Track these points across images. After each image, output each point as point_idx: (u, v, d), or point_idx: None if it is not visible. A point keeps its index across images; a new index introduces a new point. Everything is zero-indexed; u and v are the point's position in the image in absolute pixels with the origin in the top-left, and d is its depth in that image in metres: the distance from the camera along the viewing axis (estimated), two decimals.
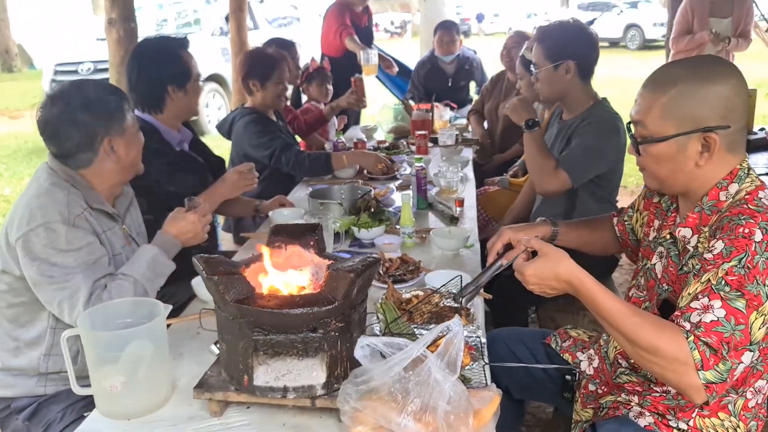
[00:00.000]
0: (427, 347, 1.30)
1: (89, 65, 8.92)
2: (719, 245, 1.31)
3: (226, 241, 3.54)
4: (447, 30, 5.23)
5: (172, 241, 1.88)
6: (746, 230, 1.29)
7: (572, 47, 2.53)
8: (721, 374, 1.23)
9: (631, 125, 1.50)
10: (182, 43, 2.45)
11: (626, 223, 1.84)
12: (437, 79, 5.22)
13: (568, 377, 1.78)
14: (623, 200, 2.48)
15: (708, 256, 1.32)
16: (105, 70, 6.00)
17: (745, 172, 1.40)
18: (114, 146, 1.81)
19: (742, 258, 1.27)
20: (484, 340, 1.68)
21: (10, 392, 1.78)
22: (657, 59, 9.40)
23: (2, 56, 18.60)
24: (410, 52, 11.79)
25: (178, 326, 1.83)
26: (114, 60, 3.26)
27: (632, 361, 1.57)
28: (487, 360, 1.59)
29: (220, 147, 4.29)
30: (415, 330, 1.69)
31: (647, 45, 19.10)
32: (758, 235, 1.28)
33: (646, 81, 1.47)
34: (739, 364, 1.25)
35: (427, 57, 5.37)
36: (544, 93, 2.64)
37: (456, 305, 1.78)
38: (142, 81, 2.40)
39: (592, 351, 1.75)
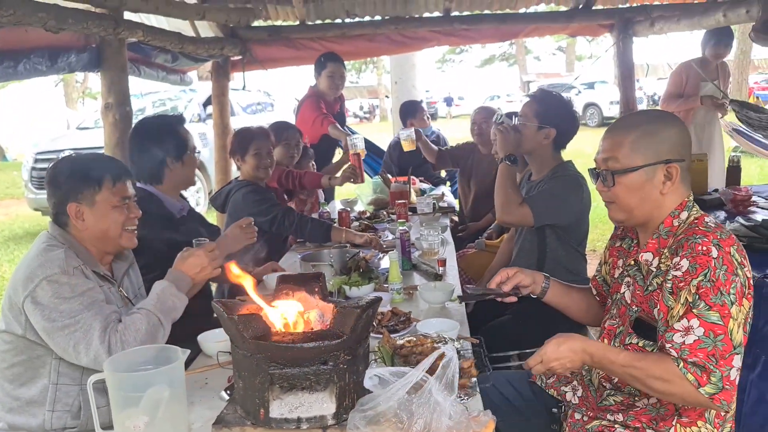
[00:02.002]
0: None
1: (70, 153, 9.08)
2: (685, 263, 1.55)
3: None
4: (413, 116, 5.54)
5: (181, 276, 1.99)
6: (704, 248, 1.53)
7: (560, 118, 2.81)
8: (716, 384, 1.46)
9: (595, 168, 1.74)
10: (179, 119, 2.69)
11: (597, 278, 2.04)
12: (411, 155, 5.50)
13: (554, 410, 1.92)
14: (594, 263, 2.67)
15: (677, 273, 1.56)
16: None
17: (692, 203, 1.68)
18: (83, 214, 1.93)
19: (707, 273, 1.50)
20: (474, 378, 1.81)
21: None
22: None
23: None
24: (380, 135, 12.26)
25: (186, 379, 1.93)
26: (110, 142, 3.45)
27: (615, 381, 1.73)
28: (479, 396, 1.73)
29: None
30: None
31: (605, 122, 20.13)
32: (714, 252, 1.52)
33: (611, 127, 1.76)
34: (730, 369, 1.47)
35: (398, 138, 5.63)
36: (520, 141, 2.84)
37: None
38: (144, 155, 2.60)
39: (575, 382, 1.90)
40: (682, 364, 1.48)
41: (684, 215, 1.65)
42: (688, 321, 1.49)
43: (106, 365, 1.53)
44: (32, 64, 2.88)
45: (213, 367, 1.99)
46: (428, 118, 5.73)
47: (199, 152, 2.66)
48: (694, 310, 1.49)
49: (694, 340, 1.48)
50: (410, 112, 5.60)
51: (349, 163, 4.21)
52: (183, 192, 2.78)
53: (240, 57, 5.54)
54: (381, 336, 2.04)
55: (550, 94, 2.94)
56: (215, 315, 2.72)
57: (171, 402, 1.54)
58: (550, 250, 2.78)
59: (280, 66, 6.08)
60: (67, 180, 1.93)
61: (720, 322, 1.47)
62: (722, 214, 3.76)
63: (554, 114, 2.81)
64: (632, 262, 1.77)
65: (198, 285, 2.08)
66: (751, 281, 1.54)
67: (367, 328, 1.56)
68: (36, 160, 9.22)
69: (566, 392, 1.92)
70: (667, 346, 1.51)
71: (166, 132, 2.60)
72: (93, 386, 1.57)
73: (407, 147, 4.61)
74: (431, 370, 1.46)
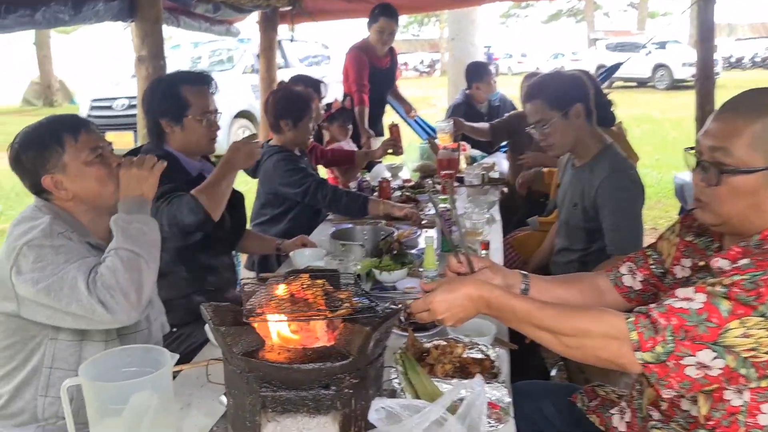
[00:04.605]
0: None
1: (124, 101, 9.10)
2: (743, 261, 1.21)
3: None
4: (480, 79, 5.15)
5: (124, 201, 1.76)
6: None
7: (574, 91, 2.48)
8: (658, 356, 1.19)
9: (696, 152, 1.36)
10: (188, 78, 2.40)
11: (652, 266, 1.65)
12: (474, 119, 5.14)
13: None
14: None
15: (728, 268, 1.23)
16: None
17: None
18: (62, 183, 1.75)
19: (757, 275, 1.16)
20: (509, 399, 1.57)
21: None
22: (686, 98, 9.24)
23: (44, 91, 19.30)
24: (439, 90, 11.86)
25: (187, 373, 1.76)
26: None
27: (664, 408, 1.44)
28: (513, 419, 1.49)
29: (246, 182, 4.26)
30: (437, 383, 1.58)
31: (676, 85, 18.98)
32: None
33: (730, 104, 1.33)
34: (689, 356, 1.17)
35: (462, 99, 5.27)
36: (558, 144, 2.51)
37: (481, 357, 1.70)
38: (146, 115, 2.42)
39: (624, 403, 1.62)
40: (632, 319, 1.21)
41: None
42: (695, 292, 1.19)
43: (81, 370, 1.34)
44: (52, 12, 2.66)
45: (218, 360, 1.79)
46: (495, 82, 5.33)
47: (219, 114, 2.43)
48: (708, 287, 1.18)
49: (681, 307, 1.17)
50: (476, 75, 5.19)
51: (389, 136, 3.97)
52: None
53: (289, 8, 5.27)
54: (406, 334, 1.81)
55: (541, 81, 2.59)
56: (237, 290, 2.55)
57: (157, 413, 1.35)
58: (598, 244, 2.48)
59: (332, 19, 5.79)
60: (27, 155, 1.75)
61: (725, 314, 1.14)
62: None
63: (565, 91, 2.47)
64: (703, 264, 1.41)
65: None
66: None
67: (379, 346, 1.33)
68: (92, 107, 9.30)
69: (613, 415, 1.64)
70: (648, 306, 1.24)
71: (164, 92, 2.36)
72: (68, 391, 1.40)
73: (444, 141, 4.22)
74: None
